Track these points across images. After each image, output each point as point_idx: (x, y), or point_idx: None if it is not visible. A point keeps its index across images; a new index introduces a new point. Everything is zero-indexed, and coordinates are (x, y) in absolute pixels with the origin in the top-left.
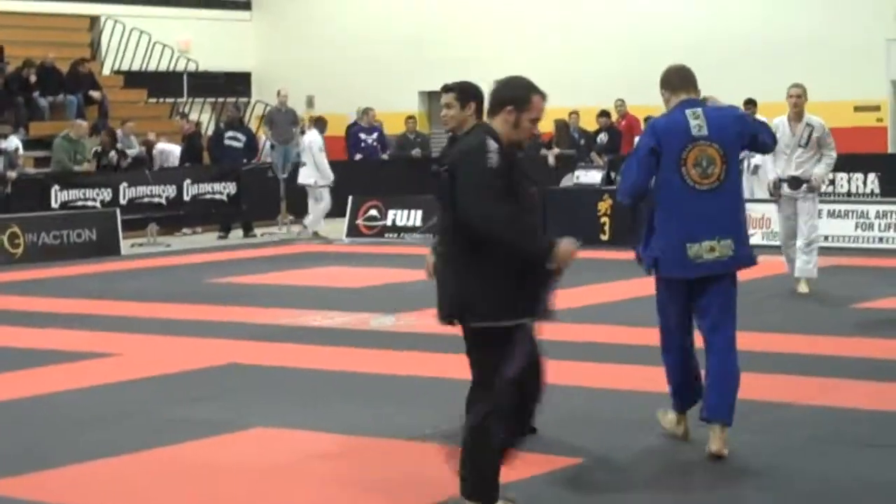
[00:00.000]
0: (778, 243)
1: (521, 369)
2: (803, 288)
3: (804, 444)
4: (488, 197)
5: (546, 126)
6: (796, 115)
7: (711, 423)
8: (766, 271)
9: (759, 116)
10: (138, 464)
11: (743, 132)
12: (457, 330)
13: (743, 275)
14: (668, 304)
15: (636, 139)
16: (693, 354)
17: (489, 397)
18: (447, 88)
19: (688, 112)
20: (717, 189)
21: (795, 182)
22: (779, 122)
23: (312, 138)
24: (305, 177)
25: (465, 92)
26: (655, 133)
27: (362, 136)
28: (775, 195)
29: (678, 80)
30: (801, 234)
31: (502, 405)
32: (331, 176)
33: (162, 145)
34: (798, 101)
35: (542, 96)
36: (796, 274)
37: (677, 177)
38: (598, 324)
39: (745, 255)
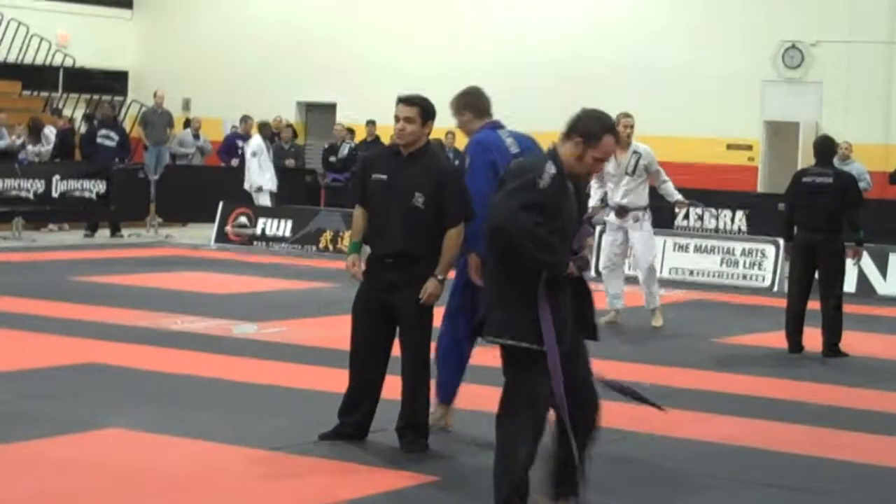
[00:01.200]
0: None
1: (560, 402)
2: (659, 321)
3: (670, 476)
4: (521, 203)
5: None
6: (625, 144)
7: None
8: (628, 302)
9: None
10: None
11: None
12: (318, 342)
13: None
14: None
15: None
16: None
17: (514, 418)
18: (409, 101)
19: (500, 132)
20: None
21: (622, 211)
22: None
23: (258, 143)
24: (263, 182)
25: (429, 110)
26: (490, 148)
27: (239, 143)
28: (597, 218)
29: (484, 104)
30: (640, 264)
31: (527, 429)
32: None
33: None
34: (631, 130)
35: (616, 138)
36: (650, 306)
37: None
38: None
39: None
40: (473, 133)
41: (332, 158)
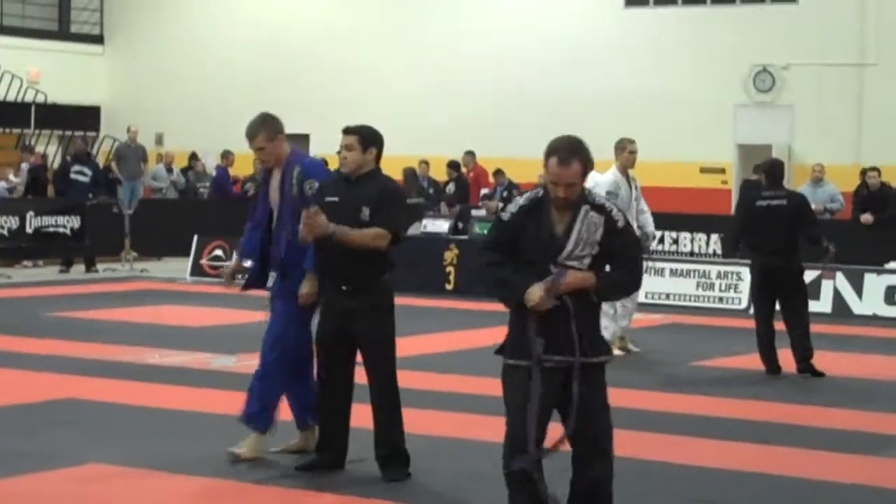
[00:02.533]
0: None
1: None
2: (635, 346)
3: (649, 500)
4: (485, 241)
5: (395, 174)
6: (627, 169)
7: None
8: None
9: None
10: None
11: None
12: None
13: None
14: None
15: (483, 190)
16: None
17: (506, 433)
18: (349, 131)
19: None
20: None
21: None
22: (615, 179)
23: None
24: None
25: (367, 137)
26: None
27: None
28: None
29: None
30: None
31: (504, 441)
32: None
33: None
34: (635, 155)
35: (560, 160)
36: (621, 333)
37: None
38: (442, 373)
39: None
40: (284, 157)
41: None
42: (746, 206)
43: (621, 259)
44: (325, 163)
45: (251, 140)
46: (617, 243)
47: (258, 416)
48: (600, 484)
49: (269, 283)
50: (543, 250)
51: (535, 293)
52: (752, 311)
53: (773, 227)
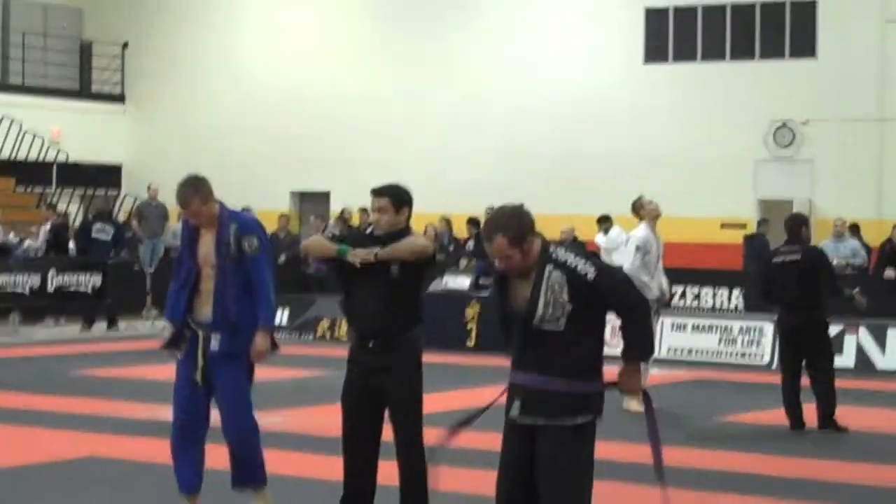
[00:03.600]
0: None
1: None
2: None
3: None
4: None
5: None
6: (655, 223)
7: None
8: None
9: (616, 229)
10: None
11: None
12: (317, 430)
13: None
14: None
15: None
16: None
17: None
18: (380, 193)
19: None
20: None
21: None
22: (646, 235)
23: None
24: None
25: (399, 197)
26: None
27: None
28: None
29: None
30: None
31: None
32: None
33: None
34: (656, 208)
35: (484, 238)
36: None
37: None
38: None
39: None
40: (215, 216)
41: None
42: (765, 263)
43: (621, 315)
44: (256, 219)
45: (185, 207)
46: (598, 298)
47: (257, 474)
48: None
49: (211, 344)
50: (519, 317)
51: None
52: (775, 366)
53: (790, 283)
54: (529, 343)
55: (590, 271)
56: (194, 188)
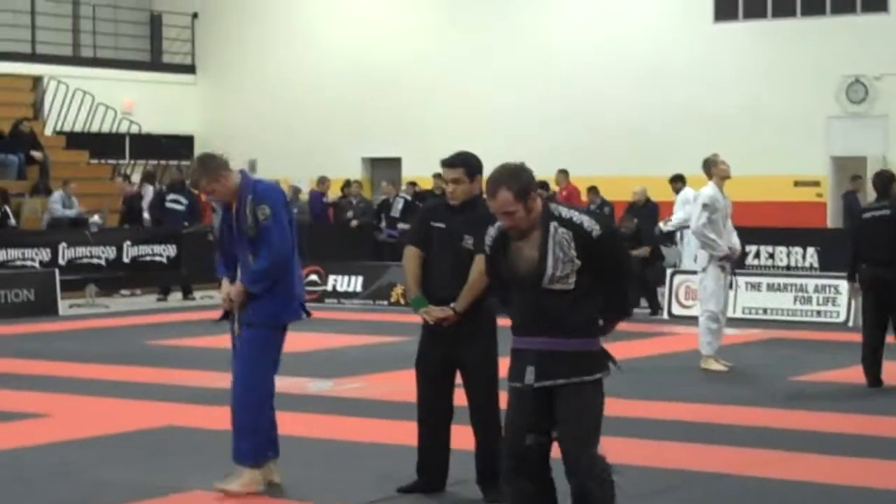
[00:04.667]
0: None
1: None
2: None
3: None
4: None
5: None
6: (723, 182)
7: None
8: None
9: (689, 189)
10: None
11: None
12: (394, 396)
13: (675, 346)
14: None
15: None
16: None
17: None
18: (453, 163)
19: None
20: None
21: (732, 254)
22: (713, 193)
23: None
24: None
25: (472, 167)
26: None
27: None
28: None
29: (225, 159)
30: (725, 309)
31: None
32: None
33: None
34: (728, 167)
35: (488, 194)
36: (715, 351)
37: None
38: None
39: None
40: (237, 185)
41: (391, 214)
42: (856, 219)
43: (609, 275)
44: (277, 183)
45: (195, 187)
46: (598, 255)
47: (241, 450)
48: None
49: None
50: (525, 280)
51: None
52: (851, 323)
53: (878, 238)
54: (537, 306)
55: (595, 228)
56: (201, 167)
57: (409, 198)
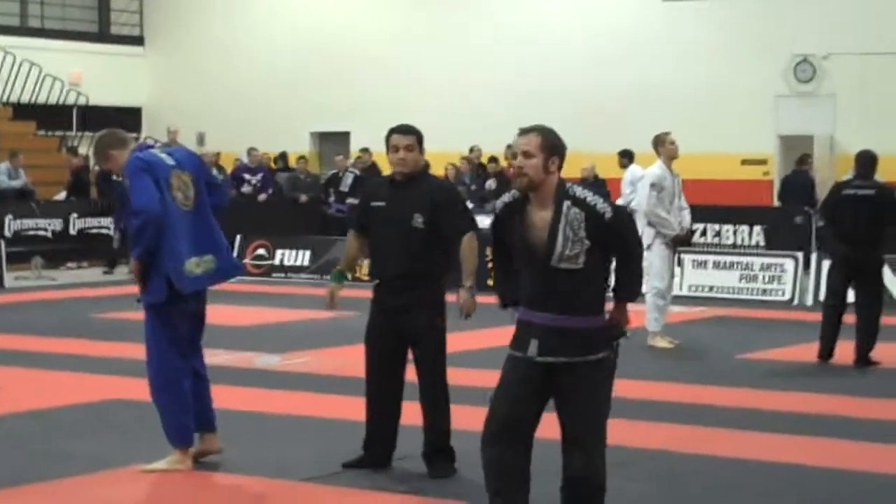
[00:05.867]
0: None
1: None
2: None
3: (700, 494)
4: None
5: (438, 171)
6: (671, 162)
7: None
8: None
9: (636, 167)
10: (8, 498)
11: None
12: (342, 371)
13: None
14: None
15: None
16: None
17: None
18: (406, 130)
19: (152, 150)
20: (195, 209)
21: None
22: (661, 172)
23: None
24: None
25: (421, 136)
26: (149, 165)
27: (246, 175)
28: (672, 247)
29: (124, 136)
30: (671, 286)
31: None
32: None
33: None
34: (677, 147)
35: (520, 132)
36: (661, 328)
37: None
38: (487, 369)
39: (230, 265)
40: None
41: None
42: (833, 194)
43: (620, 257)
44: (133, 159)
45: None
46: (609, 237)
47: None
48: (576, 479)
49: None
50: (534, 255)
51: None
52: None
53: (857, 216)
54: (546, 282)
55: (607, 210)
56: (94, 149)
57: (357, 173)
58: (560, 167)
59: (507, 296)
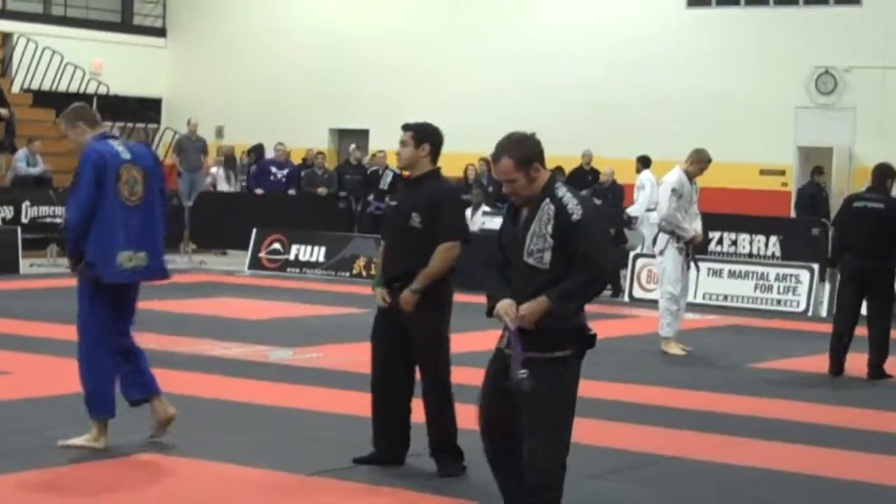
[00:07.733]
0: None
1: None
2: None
3: (708, 500)
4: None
5: (456, 172)
6: (695, 176)
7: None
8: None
9: (648, 174)
10: (16, 484)
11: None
12: (354, 366)
13: (636, 328)
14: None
15: None
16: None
17: None
18: (405, 127)
19: (110, 142)
20: (140, 206)
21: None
22: (680, 179)
23: None
24: None
25: (421, 133)
26: (102, 157)
27: (273, 168)
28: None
29: (94, 116)
30: (685, 292)
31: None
32: None
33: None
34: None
35: (492, 160)
36: (674, 334)
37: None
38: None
39: (159, 267)
40: (86, 144)
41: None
42: (844, 207)
43: (574, 264)
44: (88, 151)
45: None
46: (571, 239)
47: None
48: (524, 468)
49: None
50: (513, 249)
51: (503, 316)
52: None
53: (865, 229)
54: (519, 277)
55: (577, 212)
56: (67, 111)
57: (398, 171)
58: (543, 164)
59: (493, 300)
